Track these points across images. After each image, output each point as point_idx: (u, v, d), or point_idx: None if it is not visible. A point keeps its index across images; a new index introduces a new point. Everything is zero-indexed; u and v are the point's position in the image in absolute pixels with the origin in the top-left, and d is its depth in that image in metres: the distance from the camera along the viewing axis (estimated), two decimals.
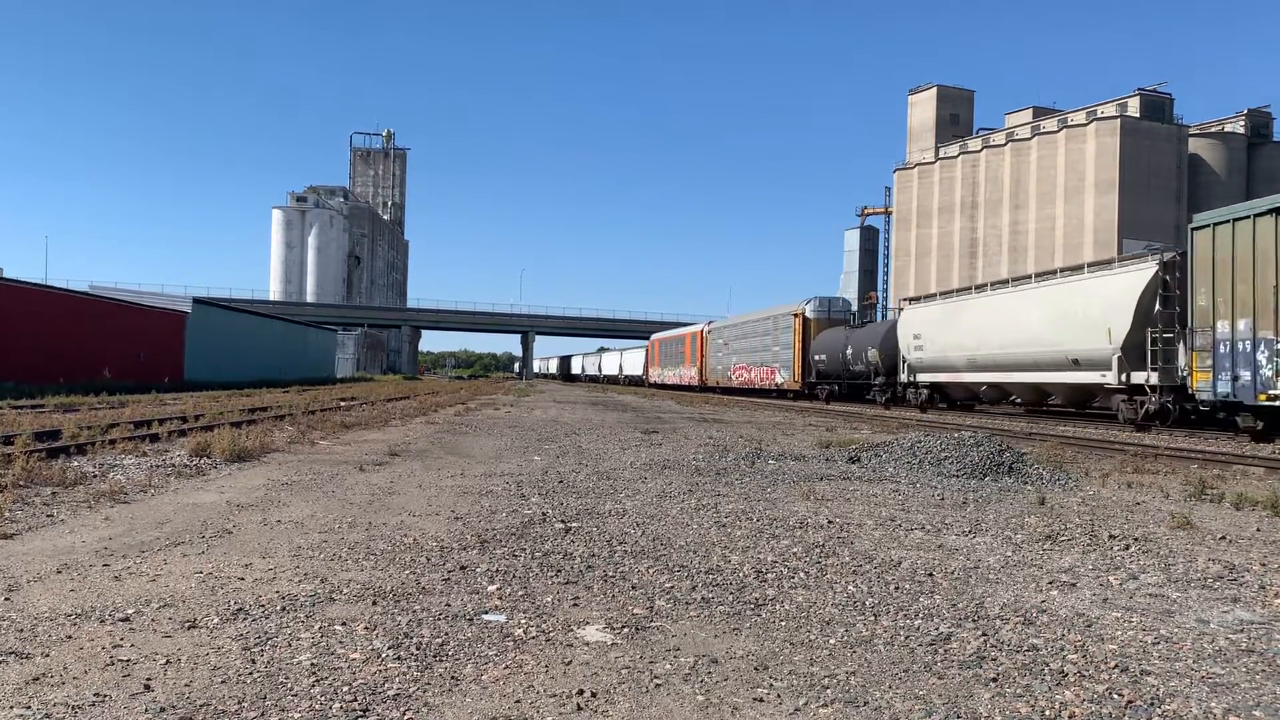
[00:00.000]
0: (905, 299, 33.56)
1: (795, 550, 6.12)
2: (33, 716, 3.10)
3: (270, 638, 4.00)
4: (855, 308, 46.19)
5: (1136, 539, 6.63)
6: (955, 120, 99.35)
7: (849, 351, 35.38)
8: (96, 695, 3.30)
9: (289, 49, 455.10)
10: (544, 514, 7.50)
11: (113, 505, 7.58)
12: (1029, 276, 24.98)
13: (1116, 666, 3.79)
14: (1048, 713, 3.28)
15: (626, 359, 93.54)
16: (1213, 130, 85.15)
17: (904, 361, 30.54)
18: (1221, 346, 16.44)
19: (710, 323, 57.29)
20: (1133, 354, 19.43)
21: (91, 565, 5.34)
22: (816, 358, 38.61)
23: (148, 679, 3.48)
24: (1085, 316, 21.14)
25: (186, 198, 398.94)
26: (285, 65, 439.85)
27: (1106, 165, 75.51)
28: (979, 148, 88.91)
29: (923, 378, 29.75)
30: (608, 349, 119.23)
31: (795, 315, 41.63)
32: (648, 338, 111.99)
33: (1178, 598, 4.99)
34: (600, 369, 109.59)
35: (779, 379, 43.26)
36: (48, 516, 6.98)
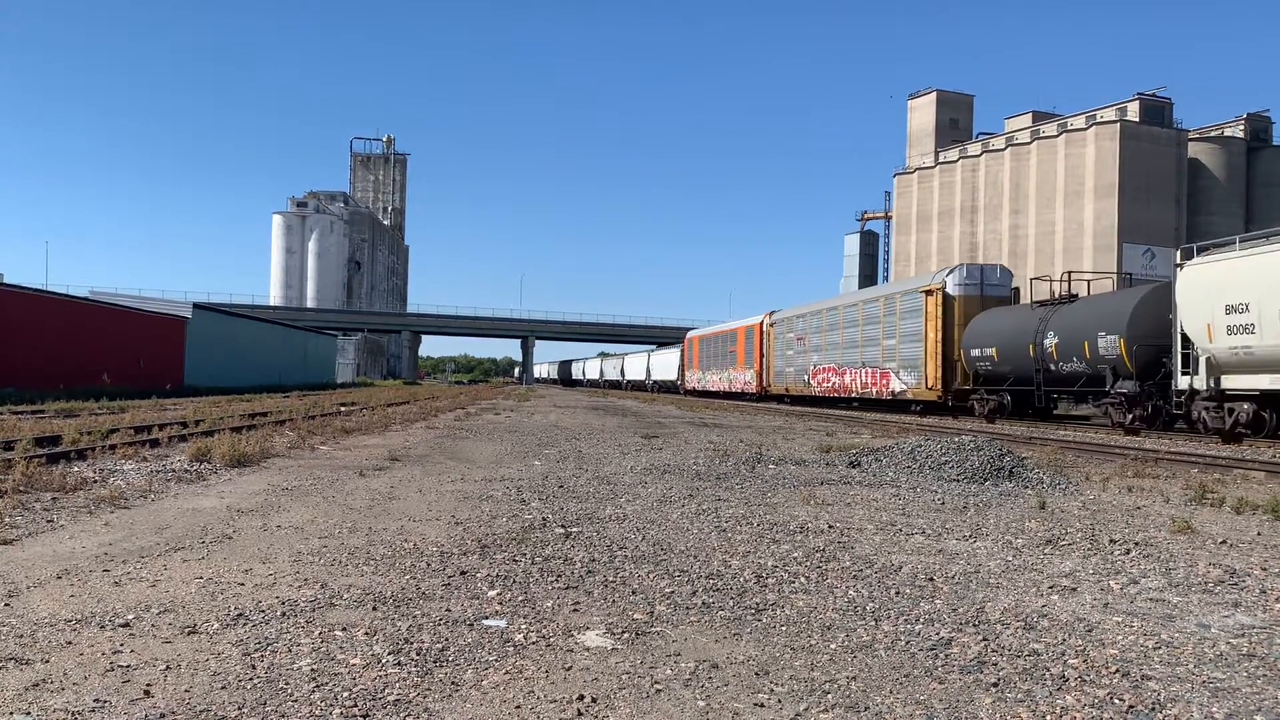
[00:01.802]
0: (1187, 246, 19.98)
1: (795, 555, 6.11)
2: None
3: (270, 643, 4.00)
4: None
5: (1137, 543, 6.62)
6: (955, 125, 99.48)
7: (1050, 341, 23.25)
8: (96, 701, 3.30)
9: (290, 54, 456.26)
10: (544, 519, 7.49)
11: (113, 510, 7.57)
12: None
13: (1118, 671, 3.78)
14: (1049, 717, 3.27)
15: (656, 361, 78.83)
16: (1212, 134, 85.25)
17: (1192, 355, 18.48)
18: None
19: (773, 312, 45.34)
20: None
21: (92, 571, 5.34)
22: (974, 353, 26.77)
23: (148, 685, 3.47)
24: None
25: (187, 203, 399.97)
26: (286, 71, 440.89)
27: (1106, 169, 75.58)
28: (978, 152, 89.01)
29: (1240, 382, 17.53)
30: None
31: (929, 292, 29.38)
32: (648, 342, 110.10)
33: (1178, 602, 4.99)
34: (623, 373, 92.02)
35: (898, 385, 31.15)
36: (48, 522, 6.98)
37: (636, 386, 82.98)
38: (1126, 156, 74.87)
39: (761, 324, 46.04)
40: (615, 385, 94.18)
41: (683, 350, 65.81)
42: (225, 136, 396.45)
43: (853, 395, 35.12)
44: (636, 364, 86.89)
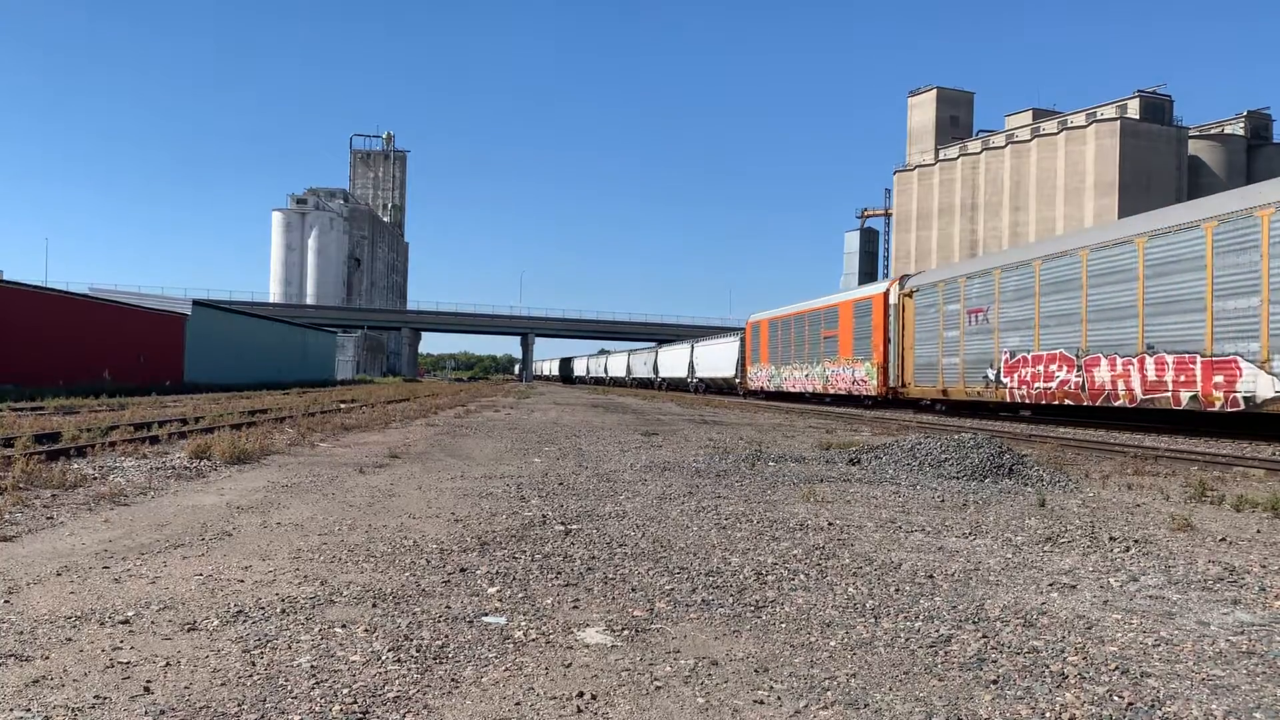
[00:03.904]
0: None
1: (795, 552, 6.12)
2: (33, 719, 3.10)
3: (270, 640, 4.00)
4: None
5: (1137, 541, 6.62)
6: (955, 122, 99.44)
7: None
8: (96, 697, 3.30)
9: (290, 51, 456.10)
10: (544, 516, 7.49)
11: (112, 507, 7.57)
12: None
13: (1117, 668, 3.78)
14: (1048, 715, 3.27)
15: (702, 355, 61.09)
16: (1212, 132, 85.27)
17: None
18: None
19: (907, 277, 31.40)
20: None
21: (91, 567, 5.34)
22: None
23: (148, 681, 3.47)
24: None
25: (187, 200, 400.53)
26: (286, 67, 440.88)
27: (1106, 167, 75.57)
28: (979, 149, 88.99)
29: None
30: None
31: None
32: (648, 339, 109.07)
33: (1178, 600, 4.99)
34: (656, 369, 74.23)
35: (1266, 385, 16.57)
36: (48, 519, 6.98)
37: (675, 386, 66.71)
38: (1127, 154, 74.88)
39: (886, 294, 31.77)
40: (646, 384, 76.72)
41: (743, 339, 50.19)
42: (225, 133, 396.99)
43: (1114, 402, 20.25)
44: (674, 358, 69.30)
